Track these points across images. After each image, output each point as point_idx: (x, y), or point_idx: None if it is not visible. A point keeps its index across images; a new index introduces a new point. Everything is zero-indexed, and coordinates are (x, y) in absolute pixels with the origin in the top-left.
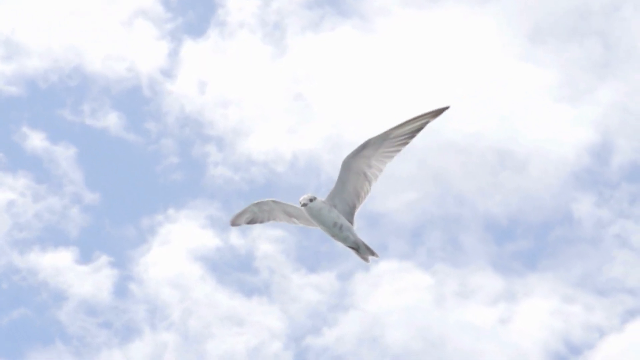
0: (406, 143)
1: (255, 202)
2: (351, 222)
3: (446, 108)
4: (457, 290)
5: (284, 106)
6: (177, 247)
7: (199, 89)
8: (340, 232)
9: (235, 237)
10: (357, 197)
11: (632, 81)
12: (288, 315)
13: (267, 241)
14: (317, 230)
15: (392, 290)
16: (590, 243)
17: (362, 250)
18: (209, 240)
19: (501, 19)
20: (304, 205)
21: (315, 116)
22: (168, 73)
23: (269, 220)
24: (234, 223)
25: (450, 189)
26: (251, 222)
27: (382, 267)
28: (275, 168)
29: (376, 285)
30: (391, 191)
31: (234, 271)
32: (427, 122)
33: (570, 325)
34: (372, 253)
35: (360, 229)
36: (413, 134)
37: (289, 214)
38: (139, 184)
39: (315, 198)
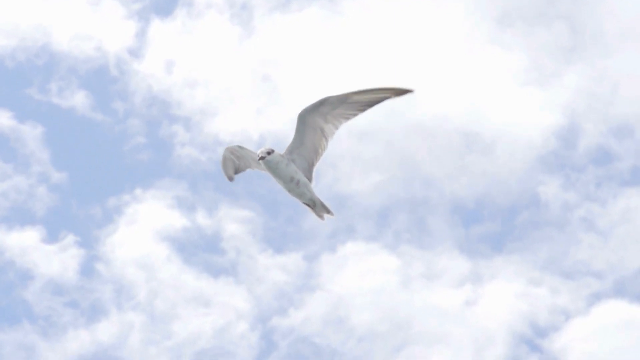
0: (363, 110)
1: (226, 147)
2: (309, 178)
3: (410, 91)
4: (424, 272)
5: (251, 87)
6: (144, 227)
7: (166, 69)
8: (297, 188)
9: (202, 217)
10: (315, 153)
11: (599, 65)
12: (254, 296)
13: (233, 222)
14: (284, 211)
15: (359, 272)
16: (557, 226)
17: (318, 207)
18: (176, 220)
19: (469, 1)
20: (262, 158)
21: (283, 98)
22: (135, 53)
23: (246, 167)
24: (230, 177)
25: (417, 171)
26: (237, 171)
27: (348, 248)
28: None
29: (342, 267)
30: (357, 173)
31: (200, 252)
32: (387, 98)
33: (536, 308)
34: (328, 211)
35: None
36: (371, 104)
37: (251, 159)
38: (106, 163)
39: (273, 151)
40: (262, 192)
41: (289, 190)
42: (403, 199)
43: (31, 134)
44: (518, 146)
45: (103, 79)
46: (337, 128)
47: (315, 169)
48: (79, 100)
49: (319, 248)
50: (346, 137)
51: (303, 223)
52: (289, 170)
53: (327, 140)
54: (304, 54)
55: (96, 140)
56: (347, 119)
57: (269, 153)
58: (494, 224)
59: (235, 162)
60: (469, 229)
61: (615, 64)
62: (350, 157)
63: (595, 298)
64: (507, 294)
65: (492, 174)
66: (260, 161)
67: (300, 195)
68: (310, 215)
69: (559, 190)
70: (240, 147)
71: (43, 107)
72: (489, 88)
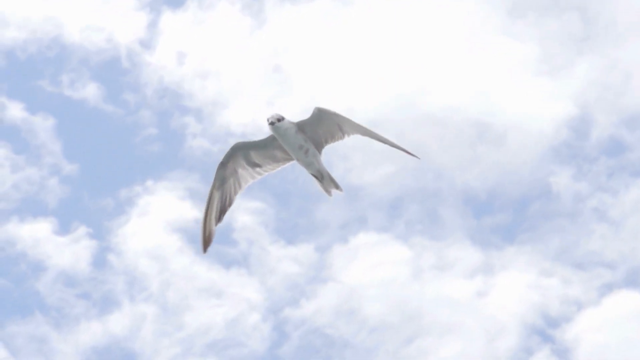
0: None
1: (217, 172)
2: (319, 152)
3: (416, 157)
4: (435, 263)
5: (263, 78)
6: (156, 219)
7: (178, 61)
8: (305, 157)
9: None
10: (331, 137)
11: (611, 55)
12: (266, 287)
13: (245, 213)
14: (296, 202)
15: (370, 263)
16: (569, 217)
17: (326, 181)
18: (188, 211)
19: None
20: (272, 123)
21: (294, 88)
22: (147, 44)
23: (236, 192)
24: (209, 239)
25: (428, 162)
26: (222, 211)
27: (360, 239)
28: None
29: (354, 258)
30: (369, 164)
31: (212, 243)
32: (394, 148)
33: (548, 299)
34: (337, 186)
35: (338, 203)
36: (379, 141)
37: (252, 162)
38: (118, 155)
39: (283, 118)
40: (274, 183)
41: (297, 159)
42: (414, 189)
43: (43, 125)
44: (529, 137)
45: (114, 71)
46: (354, 134)
47: (325, 149)
48: (91, 91)
49: (330, 239)
50: None
51: (315, 214)
52: (298, 138)
53: (344, 135)
54: (315, 44)
55: (108, 131)
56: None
57: (279, 120)
58: (505, 214)
59: (222, 195)
60: (480, 219)
61: (627, 54)
62: (362, 148)
63: (607, 288)
64: (519, 284)
65: (503, 164)
66: (270, 127)
67: (308, 165)
68: (322, 206)
69: (571, 181)
70: (236, 148)
71: (54, 99)
72: (501, 79)
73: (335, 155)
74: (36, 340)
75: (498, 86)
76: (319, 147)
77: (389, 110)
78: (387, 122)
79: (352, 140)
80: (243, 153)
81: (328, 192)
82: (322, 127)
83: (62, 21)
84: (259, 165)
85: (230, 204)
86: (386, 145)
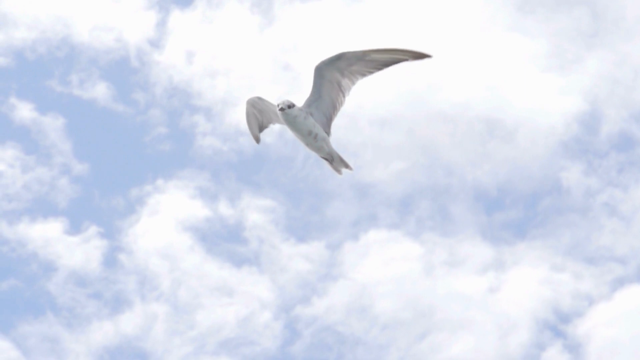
0: (380, 69)
1: (247, 101)
2: (328, 132)
3: (428, 56)
4: (447, 260)
5: (272, 76)
6: (166, 218)
7: (187, 60)
8: (314, 142)
9: (224, 207)
10: (333, 107)
11: (620, 50)
12: (278, 285)
13: (256, 211)
14: (306, 200)
15: (381, 260)
16: (580, 212)
17: (336, 161)
18: (198, 210)
19: None
20: (282, 109)
21: (304, 87)
22: (156, 43)
23: (268, 123)
24: (257, 137)
25: (439, 158)
26: (261, 127)
27: (371, 236)
28: (264, 139)
29: (365, 255)
30: (380, 161)
31: (223, 241)
32: (405, 60)
33: (559, 294)
34: (347, 165)
35: (349, 200)
36: (388, 64)
37: (265, 113)
38: (128, 154)
39: (294, 105)
40: (285, 181)
41: (307, 144)
42: (425, 186)
43: (53, 125)
44: (540, 132)
45: (124, 70)
46: (354, 84)
47: (333, 124)
48: (100, 91)
49: (341, 236)
50: (368, 125)
51: (325, 212)
52: (307, 124)
53: (344, 95)
54: (324, 42)
55: (117, 131)
56: (364, 75)
57: (289, 107)
58: (516, 210)
59: (258, 118)
60: (491, 215)
61: (637, 49)
62: (372, 145)
63: (619, 283)
64: (530, 280)
65: (514, 160)
66: (279, 112)
67: (318, 149)
68: (333, 204)
69: (581, 176)
70: (260, 98)
71: (64, 99)
72: (510, 75)
73: (346, 152)
74: (48, 340)
75: (508, 82)
76: (327, 126)
77: (399, 107)
78: (398, 118)
79: (363, 137)
80: (259, 107)
81: (338, 171)
82: (325, 94)
83: (72, 21)
84: (272, 120)
85: (264, 128)
86: (394, 141)
